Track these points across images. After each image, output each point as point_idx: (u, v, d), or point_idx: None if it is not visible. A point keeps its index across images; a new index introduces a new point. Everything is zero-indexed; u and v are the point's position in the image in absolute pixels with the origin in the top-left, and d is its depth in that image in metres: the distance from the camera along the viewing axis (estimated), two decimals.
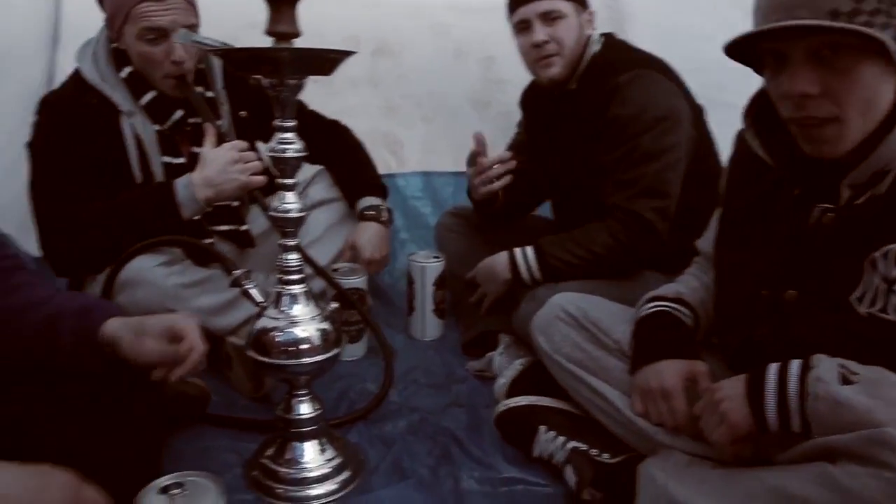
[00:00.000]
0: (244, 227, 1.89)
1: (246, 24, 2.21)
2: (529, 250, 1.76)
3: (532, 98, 2.06)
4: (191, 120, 1.77)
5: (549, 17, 1.80)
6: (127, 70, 1.72)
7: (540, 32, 1.80)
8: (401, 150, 2.61)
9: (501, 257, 1.81)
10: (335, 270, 1.86)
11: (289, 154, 1.12)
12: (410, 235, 2.61)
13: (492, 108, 2.64)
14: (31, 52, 2.15)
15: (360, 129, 2.11)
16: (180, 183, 1.61)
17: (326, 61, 1.10)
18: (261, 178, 1.61)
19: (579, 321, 1.42)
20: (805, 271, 1.10)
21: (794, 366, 1.00)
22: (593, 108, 1.79)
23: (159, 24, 1.63)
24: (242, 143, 1.63)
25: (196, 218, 1.71)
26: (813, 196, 1.11)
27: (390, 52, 2.53)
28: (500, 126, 2.58)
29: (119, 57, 1.72)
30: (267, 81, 1.09)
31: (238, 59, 1.11)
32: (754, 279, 1.17)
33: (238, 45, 2.03)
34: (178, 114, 1.75)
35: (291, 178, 1.15)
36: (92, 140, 1.67)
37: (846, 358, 0.99)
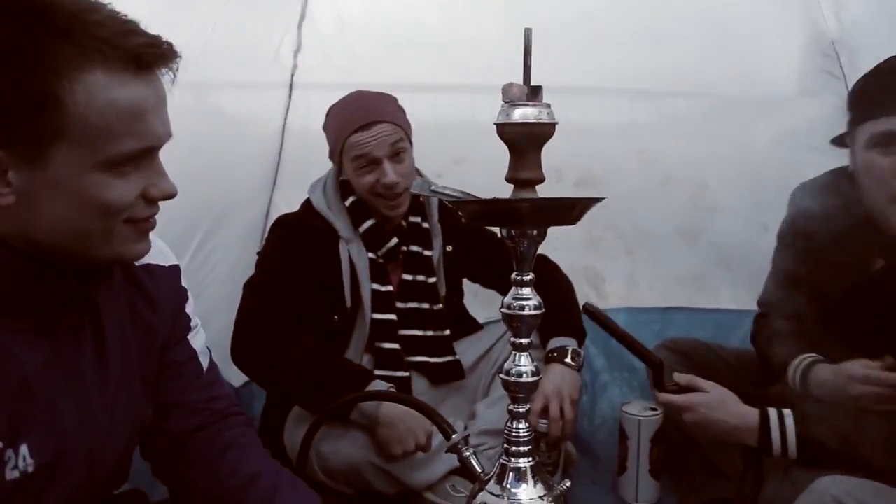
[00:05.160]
0: (442, 361, 1.83)
1: (450, 160, 2.28)
2: (790, 419, 1.41)
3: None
4: (404, 248, 1.81)
5: None
6: (351, 199, 1.80)
7: None
8: (602, 285, 2.46)
9: (747, 417, 1.44)
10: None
11: (526, 312, 1.00)
12: (612, 378, 2.40)
13: (702, 238, 2.44)
14: (253, 196, 2.33)
15: (559, 263, 2.00)
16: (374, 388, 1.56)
17: (572, 209, 0.98)
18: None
19: None
20: None
21: None
22: None
23: (369, 152, 1.71)
24: None
25: (395, 347, 1.73)
26: None
27: (594, 181, 2.44)
28: (712, 258, 2.38)
29: (345, 188, 1.82)
30: (507, 232, 0.99)
31: (476, 211, 1.03)
32: None
33: (442, 181, 2.09)
34: (393, 241, 1.80)
35: (527, 337, 1.02)
36: (312, 259, 1.76)
37: None
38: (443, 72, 2.34)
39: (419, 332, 1.80)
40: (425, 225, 1.86)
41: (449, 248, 1.88)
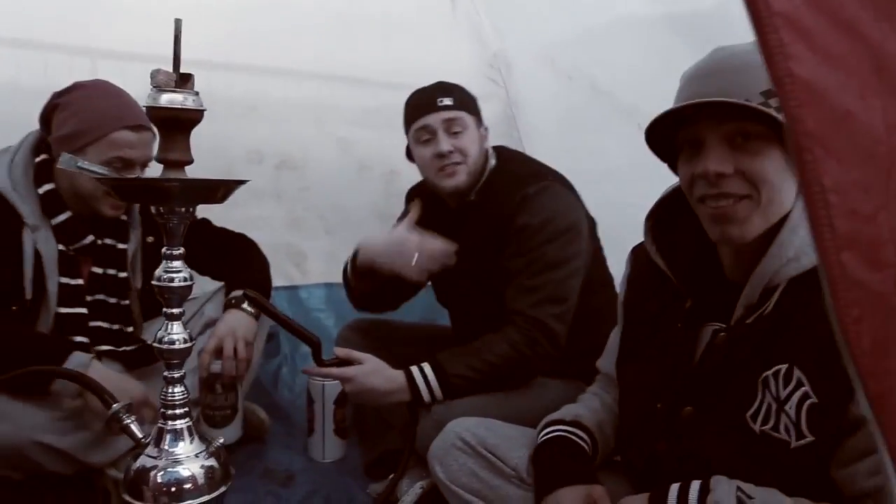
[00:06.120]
0: (132, 348, 1.80)
1: None
2: (428, 369, 1.68)
3: (424, 206, 1.99)
4: (100, 242, 1.73)
5: (453, 128, 1.81)
6: (47, 187, 1.66)
7: (444, 142, 1.80)
8: (304, 262, 2.59)
9: (397, 379, 1.66)
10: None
11: (175, 283, 1.08)
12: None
13: (395, 219, 2.67)
14: None
15: (263, 241, 2.08)
16: (75, 360, 1.52)
17: (218, 190, 1.08)
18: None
19: (476, 449, 1.39)
20: (700, 388, 1.13)
21: (694, 488, 1.02)
22: (498, 218, 1.80)
23: (132, 155, 1.63)
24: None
25: (80, 340, 1.65)
26: (706, 312, 1.15)
27: (294, 165, 2.55)
28: None
29: (41, 171, 1.67)
30: (156, 210, 1.06)
31: (126, 189, 1.08)
32: (652, 394, 1.20)
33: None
34: (89, 238, 1.71)
35: (178, 307, 1.10)
36: None
37: (742, 475, 1.01)
38: (108, 37, 2.17)
39: (105, 325, 1.75)
40: (123, 217, 1.78)
41: (150, 240, 1.83)
